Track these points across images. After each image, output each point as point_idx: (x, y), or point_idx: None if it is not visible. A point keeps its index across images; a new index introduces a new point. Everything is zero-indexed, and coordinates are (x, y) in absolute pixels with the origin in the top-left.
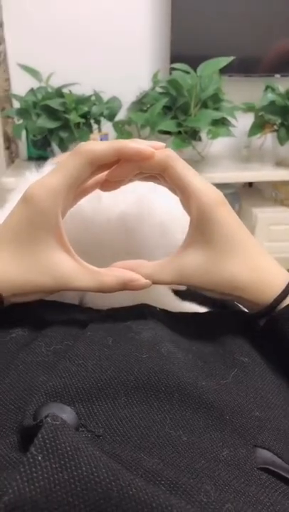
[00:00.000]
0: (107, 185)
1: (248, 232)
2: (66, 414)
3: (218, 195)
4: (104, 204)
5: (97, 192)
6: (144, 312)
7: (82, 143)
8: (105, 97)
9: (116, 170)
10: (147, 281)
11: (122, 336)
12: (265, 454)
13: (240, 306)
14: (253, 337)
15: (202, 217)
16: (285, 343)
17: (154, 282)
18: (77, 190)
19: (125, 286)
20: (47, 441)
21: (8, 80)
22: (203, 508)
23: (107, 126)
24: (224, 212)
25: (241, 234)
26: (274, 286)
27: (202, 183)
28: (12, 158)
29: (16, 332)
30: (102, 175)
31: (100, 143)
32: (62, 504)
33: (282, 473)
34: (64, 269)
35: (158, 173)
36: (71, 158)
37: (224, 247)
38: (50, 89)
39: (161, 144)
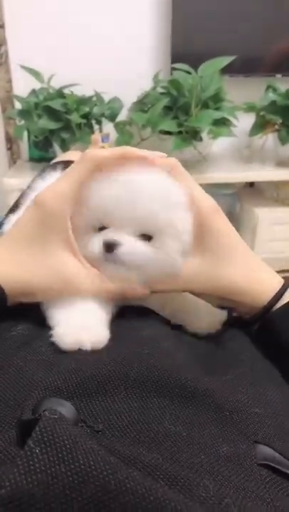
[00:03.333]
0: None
1: (240, 238)
2: (65, 408)
3: (213, 204)
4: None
5: None
6: (147, 312)
7: (88, 150)
8: (106, 98)
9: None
10: (146, 288)
11: (123, 333)
12: (265, 450)
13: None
14: (251, 338)
15: (201, 226)
16: (279, 343)
17: (154, 289)
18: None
19: (124, 292)
20: (44, 434)
21: (10, 81)
22: (201, 503)
23: (108, 126)
24: (220, 221)
25: (235, 240)
26: (268, 288)
27: (201, 192)
28: (14, 159)
29: (17, 330)
30: None
31: (105, 150)
32: (60, 497)
33: (283, 469)
34: (70, 271)
35: None
36: (78, 166)
37: (221, 254)
38: (51, 90)
39: (163, 154)
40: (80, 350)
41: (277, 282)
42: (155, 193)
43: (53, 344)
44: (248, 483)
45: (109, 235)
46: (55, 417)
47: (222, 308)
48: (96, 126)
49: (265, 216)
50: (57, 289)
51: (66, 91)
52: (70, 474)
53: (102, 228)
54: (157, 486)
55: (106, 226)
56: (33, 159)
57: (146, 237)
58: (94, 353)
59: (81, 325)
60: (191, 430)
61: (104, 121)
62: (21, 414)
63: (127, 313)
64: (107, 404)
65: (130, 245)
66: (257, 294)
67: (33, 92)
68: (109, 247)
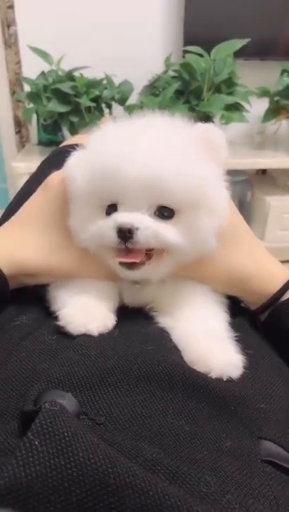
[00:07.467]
0: None
1: (247, 227)
2: (66, 400)
3: None
4: None
5: None
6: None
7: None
8: (117, 81)
9: None
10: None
11: (128, 328)
12: (269, 446)
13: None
14: (257, 331)
15: None
16: (287, 333)
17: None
18: None
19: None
20: (44, 426)
21: (19, 62)
22: (202, 498)
23: (118, 110)
24: (230, 210)
25: (243, 228)
26: (276, 277)
27: None
28: (23, 142)
29: (21, 320)
30: None
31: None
32: (58, 489)
33: (287, 466)
34: (73, 253)
35: None
36: None
37: (231, 241)
38: (60, 73)
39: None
40: (83, 342)
41: (285, 272)
42: (176, 147)
43: (55, 333)
44: (251, 480)
45: (121, 216)
46: (56, 409)
47: (229, 297)
48: (106, 110)
49: (277, 204)
50: (61, 269)
51: (76, 73)
52: (70, 467)
53: (112, 207)
54: (157, 480)
55: (115, 202)
56: (41, 143)
57: (167, 214)
58: (97, 346)
59: (87, 308)
60: (194, 425)
61: (114, 104)
62: (23, 406)
63: (132, 309)
64: (109, 397)
65: (150, 228)
66: (265, 281)
67: (42, 74)
68: (124, 233)
